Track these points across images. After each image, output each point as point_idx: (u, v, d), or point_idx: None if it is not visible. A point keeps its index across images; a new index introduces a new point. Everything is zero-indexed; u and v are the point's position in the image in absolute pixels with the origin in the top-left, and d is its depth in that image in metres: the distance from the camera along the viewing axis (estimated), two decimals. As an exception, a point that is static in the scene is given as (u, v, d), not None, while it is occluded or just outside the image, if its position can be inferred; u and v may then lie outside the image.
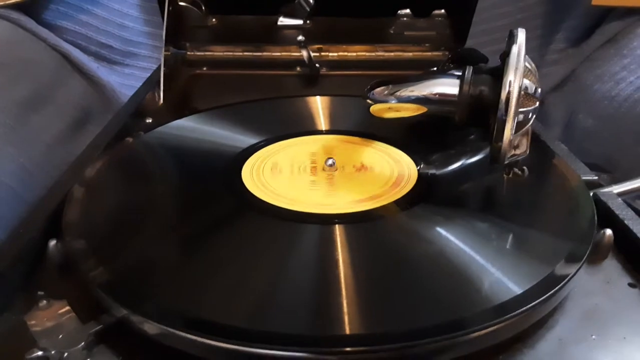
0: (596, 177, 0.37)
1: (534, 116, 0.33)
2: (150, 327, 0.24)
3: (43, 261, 0.29)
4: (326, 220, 0.31)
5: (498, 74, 0.32)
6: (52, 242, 0.29)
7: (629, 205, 0.33)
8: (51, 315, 0.25)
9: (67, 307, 0.26)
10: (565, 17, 0.66)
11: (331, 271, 0.27)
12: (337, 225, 0.30)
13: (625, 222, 0.31)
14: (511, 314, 0.24)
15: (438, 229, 0.30)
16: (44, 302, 0.26)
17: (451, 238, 0.29)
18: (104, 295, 0.25)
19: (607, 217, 0.32)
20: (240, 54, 0.60)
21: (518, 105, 0.31)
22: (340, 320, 0.24)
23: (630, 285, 0.29)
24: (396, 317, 0.24)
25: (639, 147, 0.53)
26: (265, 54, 0.60)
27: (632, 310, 0.27)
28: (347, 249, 0.28)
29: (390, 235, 0.31)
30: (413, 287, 0.26)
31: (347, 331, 0.23)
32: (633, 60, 0.56)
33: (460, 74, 0.35)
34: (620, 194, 0.35)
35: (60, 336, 0.24)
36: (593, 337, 0.25)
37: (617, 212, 0.32)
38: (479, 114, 0.34)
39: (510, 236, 0.30)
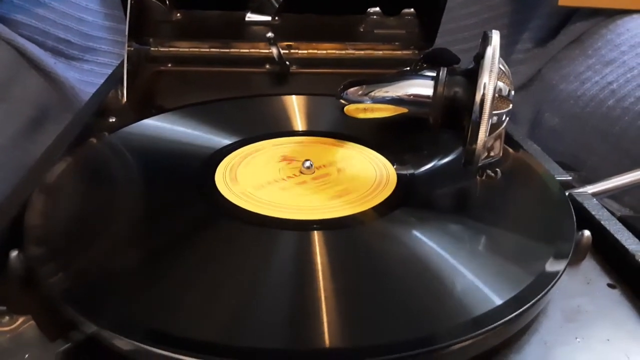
0: (570, 177, 0.37)
1: (508, 118, 0.33)
2: (124, 344, 0.22)
3: (4, 273, 0.27)
4: (304, 226, 0.30)
5: (473, 76, 0.32)
6: (14, 253, 0.27)
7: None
8: (14, 333, 0.23)
9: (32, 323, 0.24)
10: (531, 16, 0.67)
11: (309, 281, 0.26)
12: (315, 232, 0.29)
13: (602, 222, 0.31)
14: (496, 324, 0.23)
15: (421, 236, 0.30)
16: (7, 317, 0.24)
17: (434, 246, 0.29)
18: (72, 310, 0.23)
19: (583, 217, 0.32)
20: (207, 50, 0.59)
21: (492, 107, 0.31)
22: (318, 334, 0.23)
23: (609, 285, 0.29)
24: (379, 330, 0.23)
25: (604, 146, 0.54)
26: (232, 50, 0.59)
27: (613, 311, 0.27)
28: (326, 257, 0.27)
29: (370, 242, 0.30)
30: (395, 298, 0.25)
31: (326, 345, 0.22)
32: (598, 61, 0.58)
33: (434, 74, 0.34)
34: (594, 194, 0.35)
35: (26, 356, 0.22)
36: (577, 339, 0.25)
37: (593, 212, 0.32)
38: (453, 115, 0.34)
39: (494, 243, 0.30)
